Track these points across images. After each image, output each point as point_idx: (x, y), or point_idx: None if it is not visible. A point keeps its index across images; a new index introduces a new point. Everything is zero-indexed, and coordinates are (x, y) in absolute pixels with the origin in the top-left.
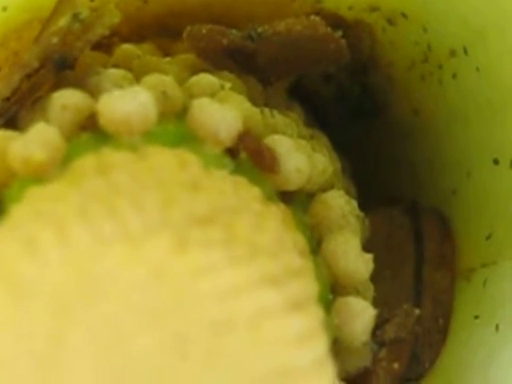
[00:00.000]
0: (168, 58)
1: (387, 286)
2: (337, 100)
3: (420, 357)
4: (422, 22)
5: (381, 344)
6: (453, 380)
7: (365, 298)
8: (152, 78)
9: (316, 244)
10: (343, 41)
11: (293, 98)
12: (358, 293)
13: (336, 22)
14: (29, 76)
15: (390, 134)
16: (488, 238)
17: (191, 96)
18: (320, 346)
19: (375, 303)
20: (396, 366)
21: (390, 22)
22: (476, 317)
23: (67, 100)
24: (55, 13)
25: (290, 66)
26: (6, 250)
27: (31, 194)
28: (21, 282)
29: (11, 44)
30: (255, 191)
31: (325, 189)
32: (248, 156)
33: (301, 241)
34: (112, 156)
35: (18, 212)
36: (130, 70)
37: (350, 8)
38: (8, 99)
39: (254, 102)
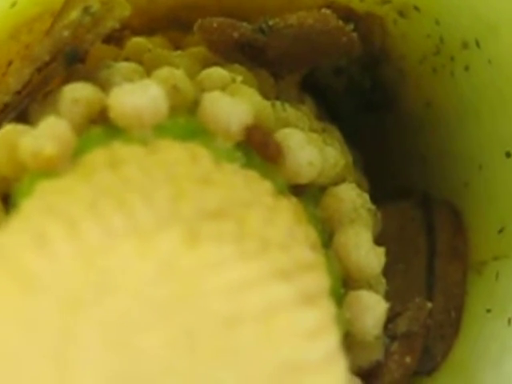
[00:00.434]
0: (179, 52)
1: (399, 279)
2: (348, 93)
3: (432, 350)
4: (434, 15)
5: (393, 338)
6: (465, 373)
7: (377, 291)
8: (163, 72)
9: (327, 237)
10: (355, 34)
11: (304, 92)
12: (370, 286)
13: (347, 14)
14: (39, 69)
15: (401, 126)
16: (500, 231)
17: (202, 89)
18: (332, 339)
19: (387, 297)
20: (408, 359)
21: (402, 14)
22: (488, 310)
23: (78, 93)
24: (66, 6)
25: (302, 59)
26: (17, 243)
27: (42, 188)
28: (31, 276)
29: (22, 37)
30: (266, 185)
31: (336, 182)
32: (253, 147)
33: (312, 234)
34: (123, 150)
35: (29, 206)
36: (140, 63)
37: (362, 0)
38: (19, 93)
39: (266, 96)
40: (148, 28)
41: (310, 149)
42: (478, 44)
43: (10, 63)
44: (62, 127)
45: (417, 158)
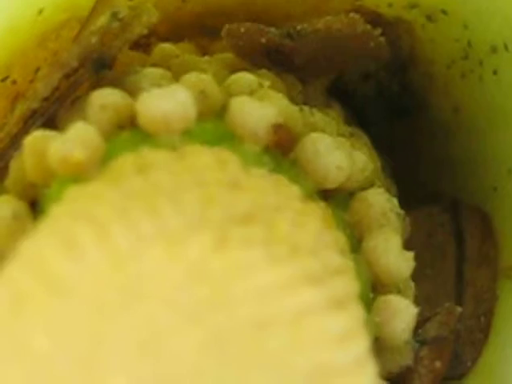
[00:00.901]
0: (206, 57)
1: (428, 284)
2: (376, 98)
3: (462, 356)
4: (463, 19)
5: (422, 342)
6: (495, 379)
7: (406, 296)
8: (191, 77)
9: (356, 242)
10: (383, 38)
11: (332, 97)
12: (398, 291)
13: (375, 19)
14: (68, 76)
15: (429, 132)
16: None
17: (230, 95)
18: (361, 344)
19: (416, 302)
20: (438, 364)
21: (430, 18)
22: None
23: (106, 99)
24: (94, 12)
25: (329, 64)
26: (47, 249)
27: (70, 194)
28: (61, 281)
29: (50, 44)
30: (295, 189)
31: (365, 187)
32: (280, 147)
33: (341, 239)
34: (151, 155)
35: (58, 211)
36: (168, 69)
37: (390, 5)
38: (47, 99)
39: (293, 101)
40: (174, 35)
41: (339, 153)
42: (506, 48)
43: (37, 70)
44: (90, 133)
45: (445, 163)
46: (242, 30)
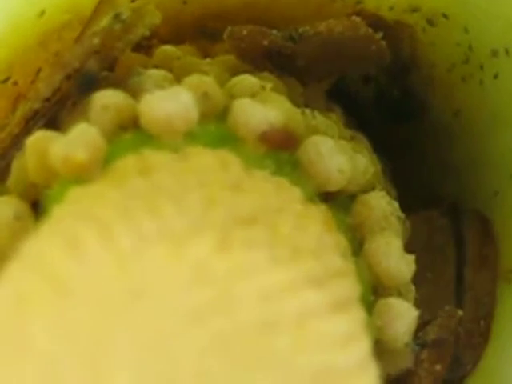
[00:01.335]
0: (208, 60)
1: (428, 288)
2: (376, 102)
3: (462, 359)
4: (464, 23)
5: (423, 345)
6: (495, 382)
7: (407, 299)
8: (193, 79)
9: (357, 245)
10: (384, 42)
11: (332, 100)
12: (399, 294)
13: (376, 22)
14: (69, 77)
15: (430, 135)
16: None
17: (232, 97)
18: (363, 347)
19: (416, 305)
20: (438, 367)
21: (431, 22)
22: None
23: (108, 100)
24: (96, 13)
25: (331, 67)
26: (50, 249)
27: (73, 195)
28: (65, 281)
29: (51, 44)
30: (296, 192)
31: (366, 190)
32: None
33: (342, 242)
34: (154, 156)
35: (60, 212)
36: (170, 71)
37: (391, 9)
38: (48, 99)
39: (295, 103)
40: (176, 37)
41: (341, 156)
42: (507, 52)
43: (38, 71)
44: (92, 133)
45: (445, 167)
46: (245, 32)
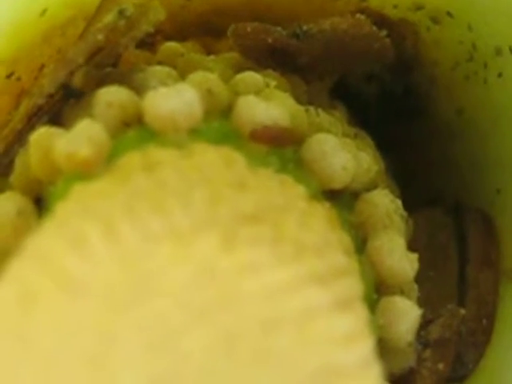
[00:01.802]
0: (212, 56)
1: (430, 286)
2: (379, 100)
3: (464, 358)
4: (468, 21)
5: (425, 344)
6: (497, 381)
7: (409, 297)
8: (197, 76)
9: (361, 243)
10: (388, 40)
11: (335, 98)
12: (402, 293)
13: (380, 20)
14: (73, 73)
15: (433, 134)
16: None
17: (236, 94)
18: (366, 345)
19: (418, 303)
20: (441, 366)
21: (435, 20)
22: None
23: (112, 97)
24: (100, 9)
25: (334, 64)
26: (54, 246)
27: (76, 191)
28: (70, 279)
29: (55, 41)
30: (300, 190)
31: (369, 188)
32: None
33: (346, 240)
34: (158, 153)
35: (64, 209)
36: (174, 67)
37: (395, 7)
38: (52, 96)
39: (299, 101)
40: (179, 34)
41: (344, 154)
42: (511, 50)
43: (42, 67)
44: (96, 130)
45: (448, 165)
46: (249, 29)
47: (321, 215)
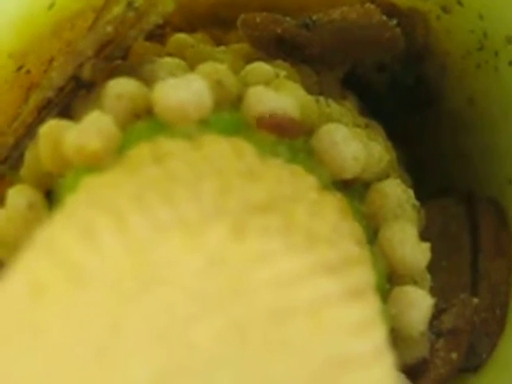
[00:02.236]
0: (222, 47)
1: (443, 276)
2: (390, 89)
3: (477, 347)
4: (478, 9)
5: (438, 334)
6: (510, 371)
7: (422, 287)
8: (206, 67)
9: (372, 233)
10: (398, 29)
11: (346, 88)
12: (415, 282)
13: (390, 10)
14: (82, 65)
15: (444, 123)
16: None
17: (246, 84)
18: (378, 335)
19: (431, 294)
20: (454, 355)
21: (445, 9)
22: None
23: (122, 89)
24: (109, 2)
25: (345, 54)
26: (65, 238)
27: (86, 183)
28: (79, 270)
29: (64, 34)
30: (311, 180)
31: (381, 178)
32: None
33: (357, 229)
34: (168, 144)
35: (74, 201)
36: (183, 59)
37: None
38: (62, 88)
39: (309, 91)
40: (189, 26)
41: (355, 144)
42: None
43: (51, 60)
44: (106, 122)
45: (460, 155)
46: (258, 19)
47: (332, 205)
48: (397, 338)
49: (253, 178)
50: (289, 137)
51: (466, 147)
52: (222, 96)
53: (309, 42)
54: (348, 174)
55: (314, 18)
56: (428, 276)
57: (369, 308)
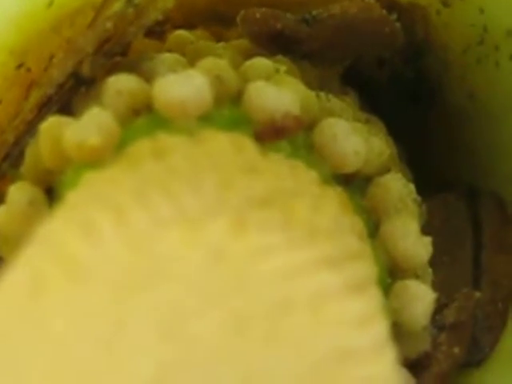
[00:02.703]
0: (222, 43)
1: (445, 271)
2: (391, 84)
3: (480, 342)
4: (478, 3)
5: (440, 328)
6: None
7: (424, 281)
8: (206, 62)
9: (373, 228)
10: (398, 24)
11: (347, 83)
12: (416, 276)
13: (390, 4)
14: (82, 62)
15: (445, 118)
16: None
17: (246, 80)
18: (380, 329)
19: (433, 288)
20: (457, 350)
21: (445, 3)
22: None
23: (122, 85)
24: None
25: (344, 50)
26: (64, 233)
27: (87, 179)
28: (80, 266)
29: (64, 31)
30: (312, 174)
31: (381, 172)
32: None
33: (358, 224)
34: (168, 140)
35: (74, 197)
36: (183, 55)
37: None
38: (62, 85)
39: (309, 86)
40: (188, 22)
41: (356, 138)
42: None
43: (51, 57)
44: (106, 118)
45: (461, 150)
46: (257, 15)
47: (333, 199)
48: (398, 332)
49: (253, 173)
50: (291, 135)
51: (467, 142)
52: (222, 91)
53: (309, 37)
54: (349, 169)
55: (314, 13)
56: (430, 270)
57: (370, 302)
